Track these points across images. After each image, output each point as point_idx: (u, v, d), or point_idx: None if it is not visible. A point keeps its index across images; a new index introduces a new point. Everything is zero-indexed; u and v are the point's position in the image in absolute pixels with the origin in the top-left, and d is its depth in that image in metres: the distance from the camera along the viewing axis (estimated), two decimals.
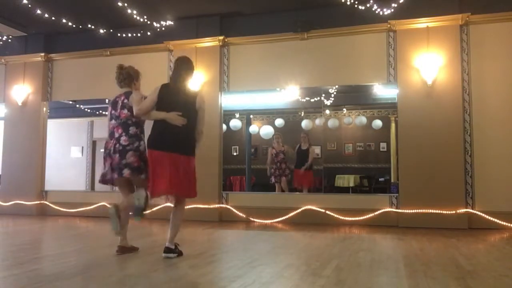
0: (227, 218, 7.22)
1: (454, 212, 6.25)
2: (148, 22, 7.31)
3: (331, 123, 10.47)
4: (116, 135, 4.11)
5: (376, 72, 6.90)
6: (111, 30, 7.77)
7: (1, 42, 8.43)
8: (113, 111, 4.22)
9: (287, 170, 9.13)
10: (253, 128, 10.75)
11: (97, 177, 11.13)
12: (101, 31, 7.72)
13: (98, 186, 10.74)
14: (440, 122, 6.43)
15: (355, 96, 9.55)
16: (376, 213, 6.61)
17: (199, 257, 4.05)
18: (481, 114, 6.41)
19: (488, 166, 6.33)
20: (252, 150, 11.04)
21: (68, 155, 11.51)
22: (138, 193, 3.96)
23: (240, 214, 7.15)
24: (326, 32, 7.11)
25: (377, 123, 10.51)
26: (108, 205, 4.11)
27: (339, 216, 6.72)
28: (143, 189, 3.97)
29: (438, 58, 6.49)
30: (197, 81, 7.48)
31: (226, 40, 7.51)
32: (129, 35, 7.71)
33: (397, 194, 6.63)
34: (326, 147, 10.69)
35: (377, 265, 3.72)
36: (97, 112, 10.35)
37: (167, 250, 3.93)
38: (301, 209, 6.92)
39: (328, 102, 9.07)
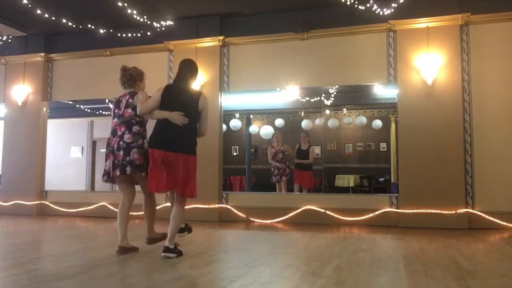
0: (227, 218, 7.22)
1: (454, 212, 6.25)
2: (148, 22, 7.31)
3: (331, 123, 10.47)
4: (119, 133, 4.16)
5: (376, 72, 6.90)
6: (111, 30, 7.77)
7: (1, 42, 8.43)
8: (116, 110, 4.27)
9: (287, 170, 9.12)
10: (253, 128, 10.74)
11: (97, 177, 11.18)
12: (101, 31, 7.72)
13: (98, 186, 10.79)
14: (440, 122, 6.43)
15: (355, 96, 9.55)
16: (376, 213, 6.61)
17: (199, 257, 4.05)
18: (481, 114, 6.41)
19: (488, 166, 6.33)
20: (252, 150, 11.04)
21: (68, 155, 11.50)
22: (164, 255, 3.96)
23: (240, 214, 7.16)
24: (326, 32, 7.11)
25: (377, 123, 10.50)
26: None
27: (339, 216, 6.72)
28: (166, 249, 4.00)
29: (438, 58, 6.49)
30: (197, 81, 7.49)
31: (226, 40, 7.51)
32: (129, 35, 7.72)
33: (397, 194, 6.64)
34: (326, 147, 10.68)
35: (377, 265, 3.72)
36: (97, 112, 10.35)
37: (167, 249, 3.95)
38: (301, 209, 6.92)
39: (328, 102, 9.07)
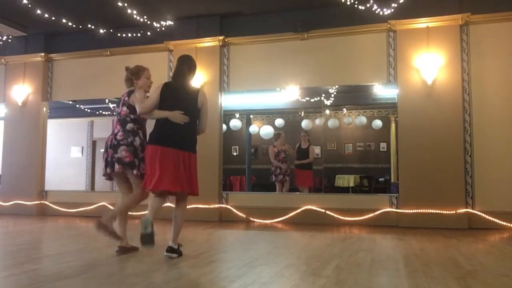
0: (227, 218, 7.22)
1: (454, 212, 6.25)
2: (148, 22, 7.31)
3: (331, 123, 10.47)
4: (115, 131, 4.19)
5: (376, 72, 6.90)
6: (111, 30, 7.77)
7: (1, 42, 8.42)
8: (116, 109, 4.33)
9: (288, 170, 9.11)
10: (253, 128, 10.75)
11: (97, 177, 11.18)
12: (101, 31, 7.71)
13: (98, 186, 10.79)
14: (440, 122, 6.43)
15: (355, 96, 9.55)
16: (376, 213, 6.61)
17: (199, 257, 4.05)
18: (481, 114, 6.42)
19: (488, 166, 6.33)
20: (252, 150, 11.04)
21: (68, 155, 11.50)
22: (144, 219, 3.73)
23: (240, 214, 7.16)
24: (326, 32, 7.11)
25: (377, 123, 10.50)
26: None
27: (339, 216, 6.72)
28: (149, 214, 3.80)
29: (438, 58, 6.49)
30: (197, 81, 7.49)
31: (226, 40, 7.51)
32: (129, 35, 7.71)
33: (397, 194, 6.64)
34: (326, 147, 10.68)
35: (377, 265, 3.72)
36: (97, 112, 10.34)
37: (170, 249, 3.93)
38: (301, 209, 6.92)
39: (328, 102, 9.07)
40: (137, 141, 4.12)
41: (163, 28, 7.50)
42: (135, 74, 4.34)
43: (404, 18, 6.61)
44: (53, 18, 7.19)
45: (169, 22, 7.43)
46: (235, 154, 11.35)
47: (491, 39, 6.46)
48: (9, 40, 8.43)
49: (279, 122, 10.82)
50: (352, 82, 7.30)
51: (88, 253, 4.35)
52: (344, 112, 10.94)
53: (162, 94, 4.00)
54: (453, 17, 6.47)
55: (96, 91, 8.28)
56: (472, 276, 3.29)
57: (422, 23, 6.60)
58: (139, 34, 7.64)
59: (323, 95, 8.79)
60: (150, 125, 4.17)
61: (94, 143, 11.48)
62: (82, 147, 11.53)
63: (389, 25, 6.74)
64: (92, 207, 7.97)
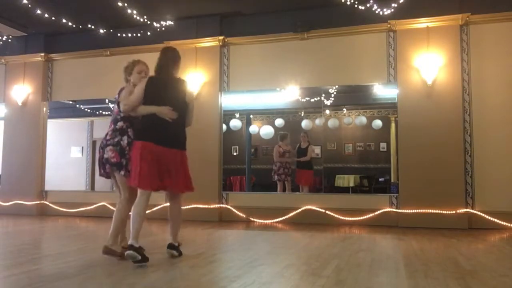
0: (227, 218, 7.22)
1: (454, 212, 6.25)
2: (148, 22, 7.31)
3: (331, 123, 10.47)
4: (108, 130, 4.06)
5: (376, 72, 6.90)
6: (111, 30, 7.78)
7: (1, 42, 8.43)
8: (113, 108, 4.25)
9: (290, 170, 9.11)
10: (253, 128, 10.75)
11: (97, 177, 11.17)
12: (101, 31, 7.72)
13: (98, 186, 10.77)
14: (440, 122, 6.43)
15: (355, 96, 9.54)
16: (376, 213, 6.61)
17: (199, 257, 4.05)
18: (481, 114, 6.41)
19: (488, 166, 6.33)
20: (252, 150, 11.04)
21: (68, 155, 11.50)
22: (128, 255, 3.55)
23: (240, 214, 7.15)
24: (326, 32, 7.11)
25: (377, 123, 10.50)
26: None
27: (339, 216, 6.72)
28: (132, 242, 3.55)
29: (438, 58, 6.49)
30: (197, 81, 7.49)
31: (226, 40, 7.51)
32: (129, 35, 7.72)
33: (397, 194, 6.64)
34: (326, 147, 10.68)
35: (377, 265, 3.72)
36: (97, 112, 10.34)
37: (172, 246, 3.91)
38: (301, 209, 6.92)
39: (328, 102, 9.07)
40: (125, 140, 3.91)
41: (163, 28, 7.50)
42: (127, 71, 4.14)
43: (404, 18, 6.61)
44: (53, 18, 7.19)
45: (169, 22, 7.43)
46: (235, 154, 11.35)
47: (491, 39, 6.46)
48: (9, 40, 8.43)
49: (279, 122, 10.82)
50: (352, 82, 7.30)
51: (88, 253, 4.34)
52: (344, 112, 10.94)
53: (148, 89, 3.78)
54: (453, 17, 6.47)
55: (96, 91, 8.28)
56: (472, 276, 3.29)
57: (422, 23, 6.59)
58: (139, 34, 7.64)
59: (323, 95, 8.79)
60: None
61: (94, 143, 11.47)
62: (82, 147, 11.53)
63: (389, 25, 6.74)
64: (92, 207, 7.97)
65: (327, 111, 10.01)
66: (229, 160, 10.29)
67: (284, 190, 8.85)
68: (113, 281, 3.14)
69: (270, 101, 9.48)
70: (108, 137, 3.96)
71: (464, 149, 6.41)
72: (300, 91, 8.25)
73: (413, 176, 6.48)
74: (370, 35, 6.96)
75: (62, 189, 9.08)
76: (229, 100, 8.07)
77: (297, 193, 8.80)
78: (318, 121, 10.38)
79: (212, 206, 7.24)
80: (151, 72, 4.01)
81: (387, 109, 10.35)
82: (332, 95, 8.78)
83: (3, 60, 8.76)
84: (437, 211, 6.27)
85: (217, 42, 7.49)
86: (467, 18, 6.45)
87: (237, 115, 10.75)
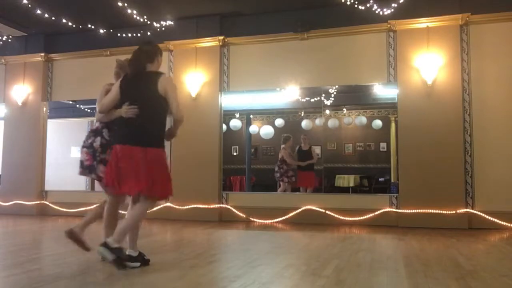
0: (227, 218, 7.22)
1: (454, 212, 6.25)
2: (148, 22, 7.31)
3: (331, 123, 10.47)
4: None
5: (376, 72, 6.90)
6: (111, 30, 7.78)
7: (1, 42, 8.43)
8: None
9: (292, 172, 9.08)
10: (253, 128, 10.75)
11: None
12: (101, 31, 7.72)
13: (98, 186, 10.77)
14: (440, 122, 6.43)
15: (355, 96, 9.55)
16: (376, 213, 6.61)
17: (199, 257, 4.05)
18: (481, 114, 6.41)
19: (488, 166, 6.33)
20: (252, 150, 11.04)
21: (68, 155, 11.49)
22: (99, 250, 3.27)
23: (240, 214, 7.15)
24: (326, 32, 7.11)
25: (377, 123, 10.51)
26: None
27: (339, 216, 6.71)
28: (104, 244, 3.26)
29: (438, 58, 6.49)
30: (197, 81, 7.50)
31: (226, 40, 7.51)
32: (129, 35, 7.71)
33: (397, 194, 6.63)
34: (326, 147, 10.69)
35: (377, 265, 3.72)
36: None
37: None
38: (301, 209, 6.92)
39: (328, 102, 9.07)
40: (98, 141, 3.74)
41: (163, 28, 7.50)
42: (122, 68, 3.97)
43: (404, 18, 6.61)
44: (53, 18, 7.19)
45: (169, 22, 7.44)
46: (235, 154, 11.36)
47: (491, 39, 6.46)
48: (9, 40, 8.43)
49: (279, 122, 10.83)
50: (352, 82, 7.30)
51: (88, 253, 4.33)
52: (344, 112, 10.95)
53: (122, 89, 3.54)
54: (453, 17, 6.47)
55: (96, 91, 7.94)
56: (472, 276, 3.29)
57: (422, 23, 6.59)
58: (139, 34, 7.64)
59: (323, 95, 8.79)
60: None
61: None
62: None
63: (389, 25, 6.74)
64: (92, 207, 7.95)
65: (327, 111, 10.01)
66: (229, 160, 10.29)
67: (285, 191, 8.84)
68: (113, 281, 3.14)
69: (270, 101, 9.48)
70: (85, 139, 3.84)
71: (464, 149, 6.41)
72: (300, 91, 8.25)
73: (413, 176, 6.48)
74: (370, 35, 6.96)
75: (62, 189, 9.08)
76: (229, 100, 8.07)
77: (297, 193, 8.79)
78: (318, 121, 10.39)
79: (212, 206, 7.24)
80: None
81: (387, 109, 10.37)
82: (332, 95, 8.78)
83: (3, 60, 8.76)
84: (437, 211, 6.27)
85: (217, 42, 7.49)
86: (467, 18, 6.45)
87: (237, 115, 10.76)
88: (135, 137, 3.43)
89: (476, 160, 6.38)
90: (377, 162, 10.73)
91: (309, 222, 6.76)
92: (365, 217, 6.62)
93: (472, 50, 6.50)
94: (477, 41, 6.50)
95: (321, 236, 5.54)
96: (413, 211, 6.39)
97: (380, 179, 10.15)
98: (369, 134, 10.84)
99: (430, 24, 6.57)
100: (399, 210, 6.52)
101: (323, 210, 6.81)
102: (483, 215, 6.21)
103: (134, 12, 6.85)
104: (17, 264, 3.70)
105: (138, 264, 3.51)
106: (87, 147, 3.77)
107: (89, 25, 7.63)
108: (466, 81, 6.49)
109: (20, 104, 8.56)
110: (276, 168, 8.99)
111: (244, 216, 7.12)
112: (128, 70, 3.63)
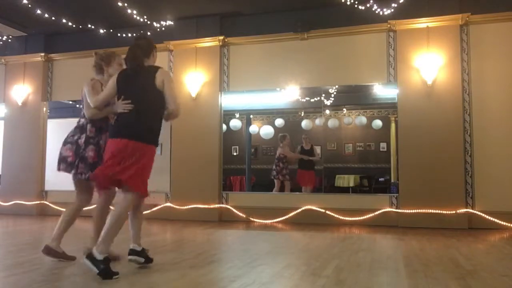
0: (227, 218, 7.22)
1: (454, 212, 6.25)
2: (148, 22, 7.31)
3: (331, 123, 10.47)
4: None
5: (376, 72, 6.90)
6: (111, 30, 7.77)
7: (1, 42, 8.42)
8: None
9: (288, 170, 9.09)
10: (253, 128, 10.75)
11: None
12: (101, 31, 7.72)
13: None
14: (440, 122, 6.43)
15: (355, 96, 9.55)
16: (376, 213, 6.61)
17: (199, 257, 4.05)
18: (481, 114, 6.41)
19: (488, 166, 6.33)
20: (252, 150, 11.04)
21: None
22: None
23: (240, 214, 7.15)
24: (326, 32, 7.11)
25: (377, 123, 10.51)
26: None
27: (339, 216, 6.71)
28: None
29: (438, 58, 6.49)
30: (197, 81, 7.49)
31: (226, 40, 7.51)
32: (129, 35, 7.71)
33: (397, 194, 6.63)
34: (326, 147, 10.68)
35: (377, 265, 3.72)
36: None
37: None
38: (301, 209, 6.92)
39: (328, 102, 9.06)
40: (83, 138, 3.68)
41: (163, 28, 7.50)
42: (105, 60, 3.83)
43: (404, 18, 6.61)
44: (53, 18, 7.19)
45: (169, 22, 7.43)
46: (235, 154, 11.35)
47: (491, 39, 6.46)
48: (9, 40, 8.43)
49: (279, 122, 10.83)
50: (352, 82, 7.30)
51: None
52: (344, 112, 10.95)
53: (119, 83, 3.52)
54: (453, 17, 6.47)
55: None
56: (472, 276, 3.29)
57: (422, 23, 6.59)
58: (139, 34, 7.64)
59: (323, 95, 8.79)
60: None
61: None
62: None
63: (389, 25, 6.74)
64: (92, 207, 7.93)
65: (327, 111, 10.01)
66: (229, 160, 10.29)
67: (283, 190, 8.80)
68: (113, 281, 3.14)
69: (270, 101, 9.48)
70: (69, 134, 3.78)
71: (464, 149, 6.41)
72: (300, 91, 8.25)
73: (413, 176, 6.48)
74: (370, 35, 6.96)
75: (62, 189, 9.06)
76: (229, 100, 8.07)
77: (297, 193, 8.78)
78: (318, 121, 10.38)
79: (212, 206, 7.24)
80: None
81: (387, 109, 10.37)
82: (332, 95, 8.78)
83: (3, 60, 8.75)
84: (437, 211, 6.27)
85: (217, 42, 7.49)
86: (467, 18, 6.45)
87: (237, 115, 10.75)
88: (129, 130, 3.35)
89: (476, 160, 6.38)
90: (377, 162, 10.73)
91: (309, 222, 6.76)
92: (365, 217, 6.61)
93: (472, 50, 6.51)
94: (477, 41, 6.50)
95: (321, 236, 5.54)
96: (413, 211, 6.39)
97: (380, 179, 10.15)
98: (369, 134, 10.84)
99: (430, 24, 6.57)
100: (399, 210, 6.52)
101: (323, 210, 6.81)
102: (483, 215, 6.21)
103: (134, 12, 6.84)
104: (17, 264, 3.70)
105: (142, 259, 3.54)
106: (71, 143, 3.71)
107: (89, 25, 7.63)
108: (466, 81, 6.49)
109: (20, 104, 8.56)
110: (273, 166, 9.00)
111: (244, 216, 7.12)
112: (126, 66, 3.59)
